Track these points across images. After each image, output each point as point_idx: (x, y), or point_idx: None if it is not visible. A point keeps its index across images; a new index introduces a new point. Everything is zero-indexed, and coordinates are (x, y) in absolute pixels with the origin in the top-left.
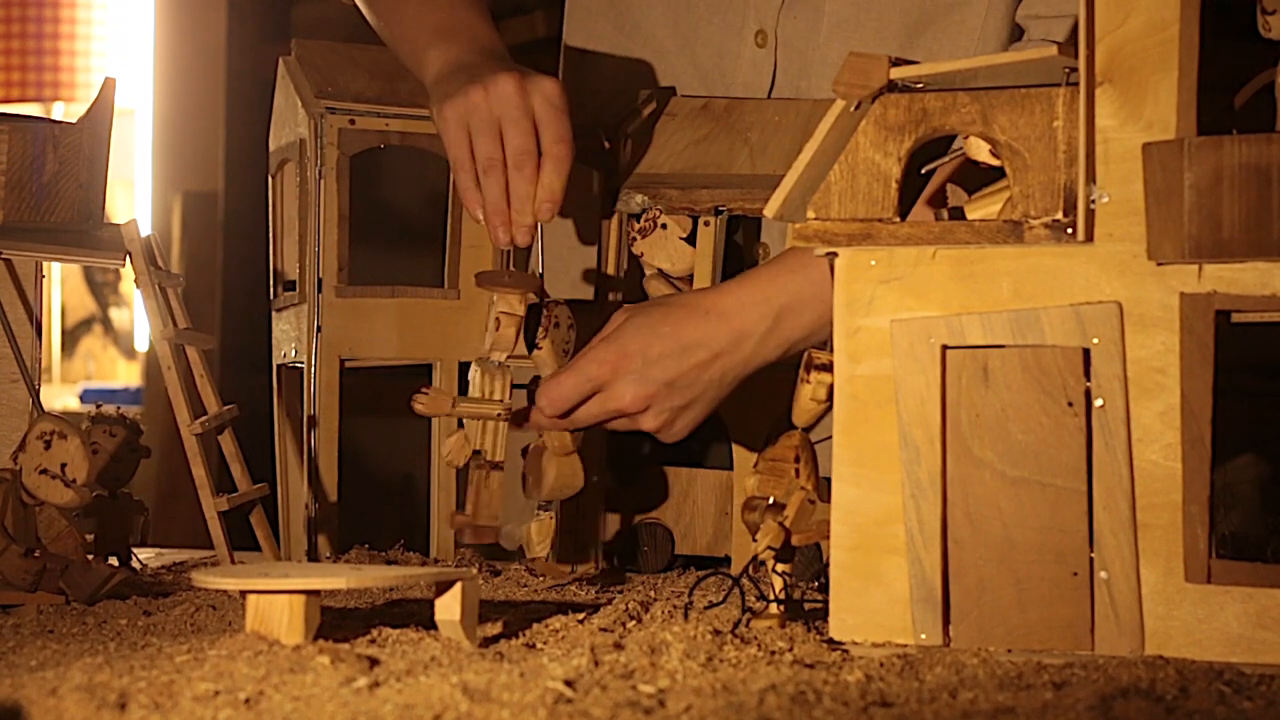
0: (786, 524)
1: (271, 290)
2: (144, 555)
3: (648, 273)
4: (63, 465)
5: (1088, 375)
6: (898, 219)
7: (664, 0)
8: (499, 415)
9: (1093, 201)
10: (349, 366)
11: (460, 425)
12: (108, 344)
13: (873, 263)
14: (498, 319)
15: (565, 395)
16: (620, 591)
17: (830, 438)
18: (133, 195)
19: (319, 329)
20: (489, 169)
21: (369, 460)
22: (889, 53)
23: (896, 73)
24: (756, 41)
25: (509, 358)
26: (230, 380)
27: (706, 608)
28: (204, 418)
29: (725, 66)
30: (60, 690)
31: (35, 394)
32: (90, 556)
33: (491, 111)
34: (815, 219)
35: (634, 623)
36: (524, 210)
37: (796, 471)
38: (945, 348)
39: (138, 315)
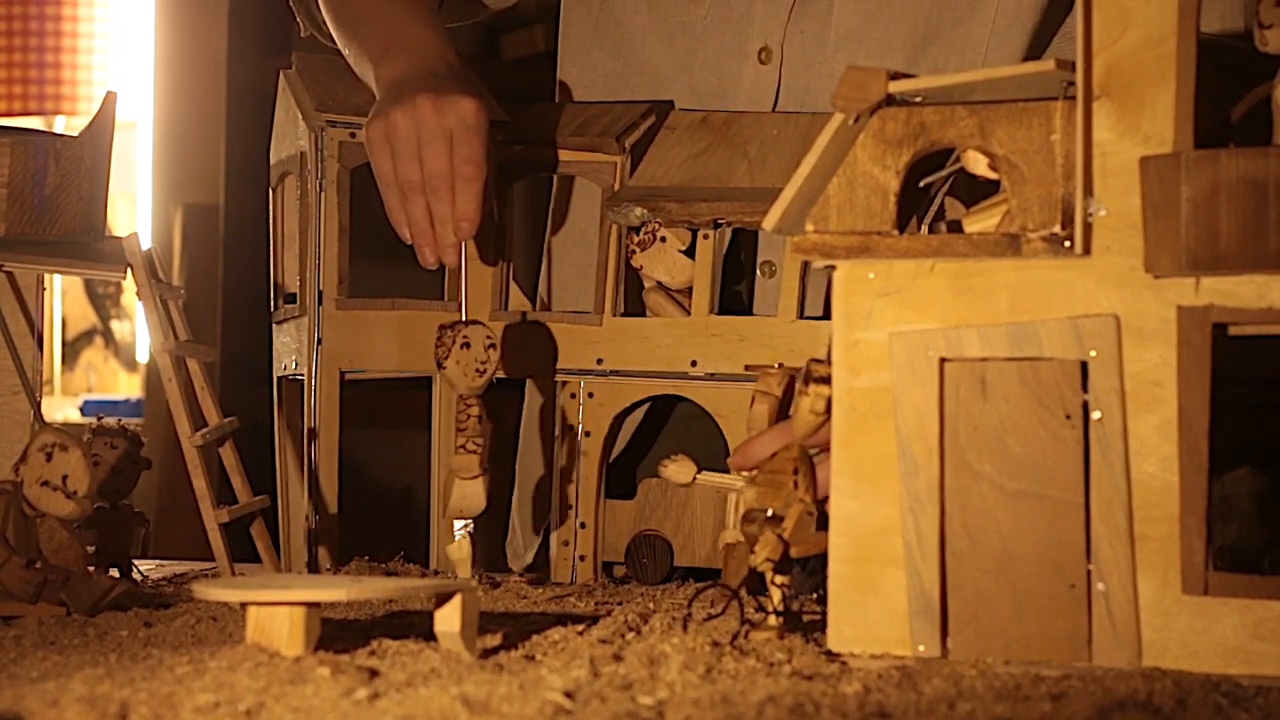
0: (785, 536)
1: (272, 303)
2: (145, 567)
3: (647, 285)
4: (64, 477)
5: (1085, 388)
6: (896, 232)
7: (660, 24)
8: (740, 490)
9: (1090, 215)
10: (349, 379)
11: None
12: (109, 356)
13: (871, 275)
14: (753, 397)
15: (755, 454)
16: (619, 603)
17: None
18: (134, 208)
19: (319, 341)
20: (410, 191)
21: (369, 472)
22: (895, 65)
23: (895, 86)
24: (760, 58)
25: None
26: (231, 392)
27: (705, 619)
28: (205, 430)
29: (725, 87)
30: (61, 701)
31: (36, 406)
32: (91, 568)
33: (410, 134)
34: (814, 232)
35: (633, 634)
36: (445, 231)
37: (795, 484)
38: (943, 360)
39: (139, 327)
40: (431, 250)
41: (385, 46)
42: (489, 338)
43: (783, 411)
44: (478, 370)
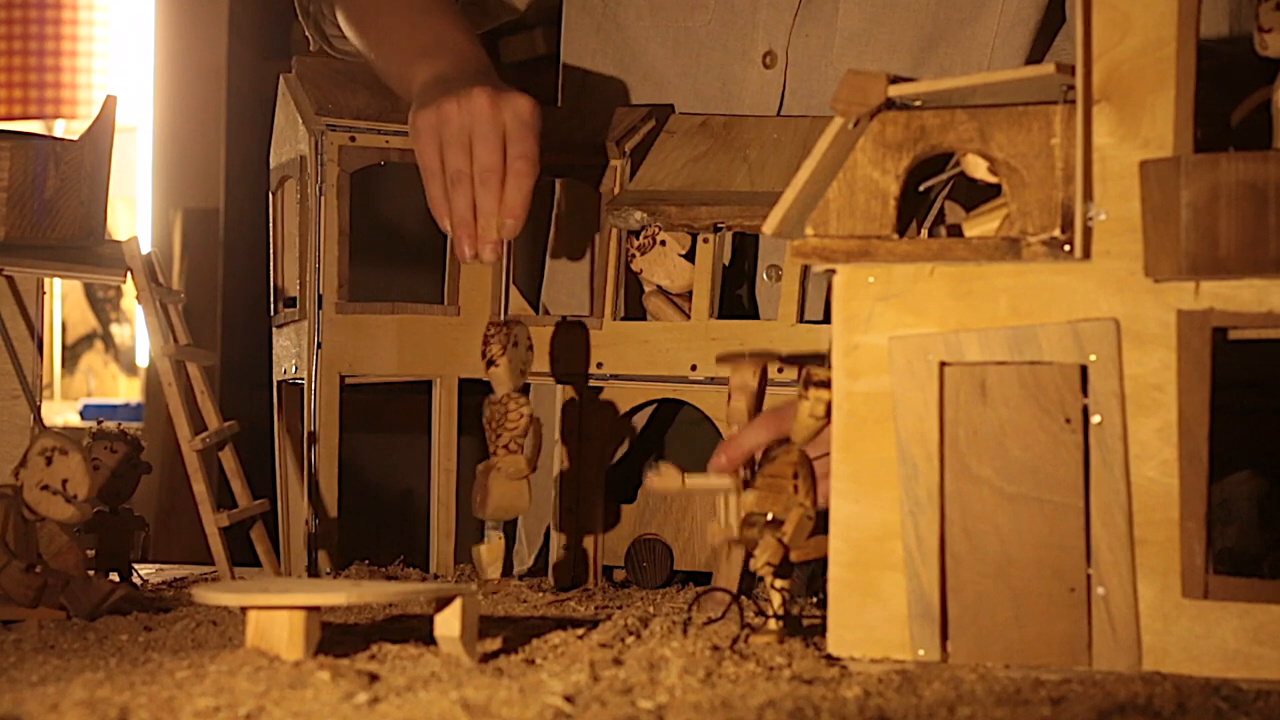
0: (785, 540)
1: (272, 307)
2: (145, 571)
3: (646, 289)
4: (64, 481)
5: (1085, 392)
6: (896, 236)
7: (663, 30)
8: (729, 488)
9: (1090, 219)
10: (349, 383)
11: None
12: (109, 360)
13: (871, 280)
14: (729, 392)
15: (742, 448)
16: (619, 607)
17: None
18: (134, 212)
19: (319, 345)
20: (457, 182)
21: (369, 476)
22: (901, 68)
23: (895, 90)
24: (765, 63)
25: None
26: (231, 396)
27: (705, 623)
28: (205, 434)
29: (730, 91)
30: (61, 705)
31: (36, 410)
32: (91, 572)
33: (463, 125)
34: (814, 236)
35: (633, 638)
36: (489, 225)
37: (795, 488)
38: (943, 364)
39: (139, 332)
40: (471, 244)
41: (422, 49)
42: (529, 338)
43: (759, 402)
44: (522, 371)
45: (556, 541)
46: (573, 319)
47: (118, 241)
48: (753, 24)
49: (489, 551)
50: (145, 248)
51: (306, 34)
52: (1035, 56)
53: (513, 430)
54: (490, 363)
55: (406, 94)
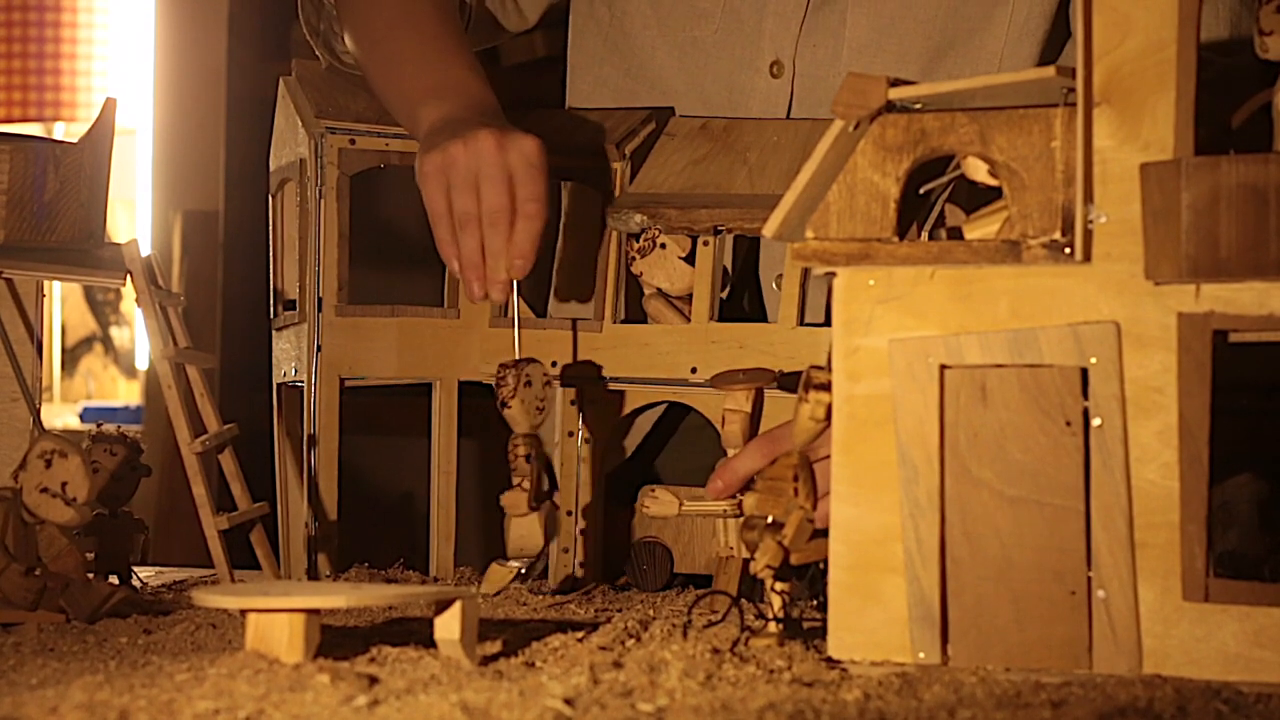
0: (785, 543)
1: (272, 309)
2: (144, 574)
3: (647, 292)
4: (63, 484)
5: (1085, 394)
6: (896, 239)
7: (670, 40)
8: (725, 513)
9: (1090, 221)
10: (349, 385)
11: None
12: (108, 363)
13: (871, 282)
14: (723, 416)
15: (737, 474)
16: (619, 610)
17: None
18: (133, 214)
19: (319, 348)
20: (465, 224)
21: (369, 479)
22: (910, 77)
23: (895, 93)
24: (772, 72)
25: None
26: (230, 399)
27: (705, 626)
28: (204, 436)
29: (736, 101)
30: (61, 708)
31: (36, 413)
32: (90, 575)
33: (470, 167)
34: (814, 239)
35: (633, 641)
36: (498, 266)
37: (795, 491)
38: (943, 367)
39: (138, 334)
40: (480, 285)
41: (430, 89)
42: (545, 374)
43: (753, 425)
44: (538, 408)
45: (556, 545)
46: (574, 321)
47: (117, 244)
48: (759, 33)
49: (491, 575)
50: (145, 250)
51: (316, 52)
52: (1045, 65)
53: (515, 470)
54: (503, 404)
55: (412, 132)
